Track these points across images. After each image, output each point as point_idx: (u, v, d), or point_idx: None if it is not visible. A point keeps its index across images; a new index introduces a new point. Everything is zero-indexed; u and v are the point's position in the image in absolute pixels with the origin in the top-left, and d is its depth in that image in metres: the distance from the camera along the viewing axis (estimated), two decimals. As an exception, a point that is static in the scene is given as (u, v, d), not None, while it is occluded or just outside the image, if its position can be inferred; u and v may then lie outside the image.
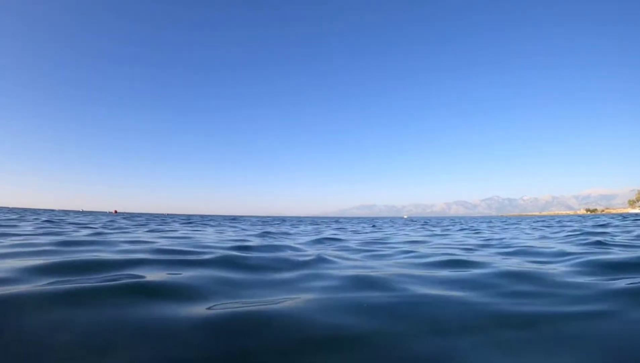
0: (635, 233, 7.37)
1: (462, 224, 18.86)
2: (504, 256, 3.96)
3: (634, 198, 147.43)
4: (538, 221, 25.17)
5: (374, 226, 16.76)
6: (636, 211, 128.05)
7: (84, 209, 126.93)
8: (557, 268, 2.97)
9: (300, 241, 6.16)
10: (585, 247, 4.63)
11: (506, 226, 14.04)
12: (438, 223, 23.43)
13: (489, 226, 14.22)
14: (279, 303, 1.83)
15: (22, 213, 24.51)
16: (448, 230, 11.43)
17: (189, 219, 24.52)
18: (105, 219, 18.41)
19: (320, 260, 3.39)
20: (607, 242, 5.10)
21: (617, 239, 5.82)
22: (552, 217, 52.56)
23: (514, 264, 3.24)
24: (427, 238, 7.02)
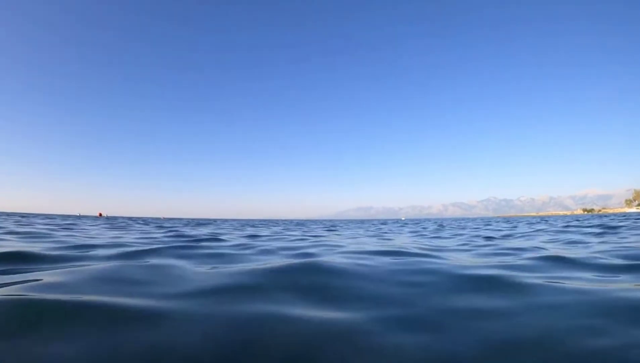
0: None
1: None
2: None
3: (630, 197, 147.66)
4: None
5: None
6: (633, 210, 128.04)
7: (81, 214, 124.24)
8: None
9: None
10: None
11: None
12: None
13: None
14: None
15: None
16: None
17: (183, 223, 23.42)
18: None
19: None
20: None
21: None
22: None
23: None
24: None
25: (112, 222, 20.40)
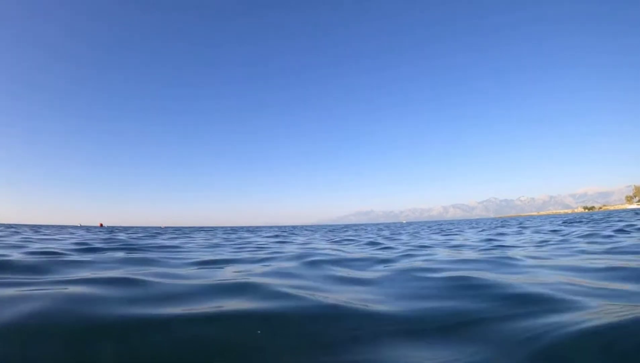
0: None
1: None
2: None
3: (631, 193, 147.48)
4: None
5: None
6: (634, 206, 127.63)
7: (82, 224, 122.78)
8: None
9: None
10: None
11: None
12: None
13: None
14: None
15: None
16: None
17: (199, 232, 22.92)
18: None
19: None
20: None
21: None
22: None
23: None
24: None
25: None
